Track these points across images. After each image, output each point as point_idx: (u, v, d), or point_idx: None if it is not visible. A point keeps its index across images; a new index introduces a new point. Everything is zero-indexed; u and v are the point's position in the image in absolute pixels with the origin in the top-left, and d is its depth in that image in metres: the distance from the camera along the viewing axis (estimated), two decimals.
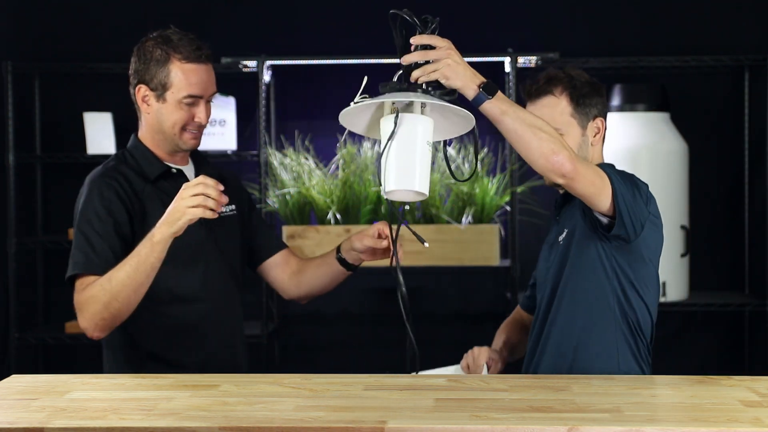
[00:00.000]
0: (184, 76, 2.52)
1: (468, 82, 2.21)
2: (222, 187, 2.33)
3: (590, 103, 2.55)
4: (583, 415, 1.92)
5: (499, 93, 2.23)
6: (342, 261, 2.67)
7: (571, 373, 2.44)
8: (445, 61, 2.19)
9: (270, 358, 4.49)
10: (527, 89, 2.59)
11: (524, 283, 4.39)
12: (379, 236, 2.57)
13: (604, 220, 2.39)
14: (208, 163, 2.72)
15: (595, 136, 2.57)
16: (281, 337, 4.60)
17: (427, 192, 2.20)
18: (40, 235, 4.60)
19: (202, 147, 4.30)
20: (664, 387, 2.14)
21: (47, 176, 4.64)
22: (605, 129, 2.59)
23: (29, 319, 4.57)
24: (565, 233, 2.53)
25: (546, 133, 2.25)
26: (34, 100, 4.58)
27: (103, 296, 2.37)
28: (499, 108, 2.24)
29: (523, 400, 2.02)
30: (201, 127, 2.58)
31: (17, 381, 2.25)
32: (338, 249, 2.68)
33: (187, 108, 2.53)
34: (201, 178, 2.33)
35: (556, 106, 2.54)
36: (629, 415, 1.91)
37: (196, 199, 2.30)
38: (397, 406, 1.98)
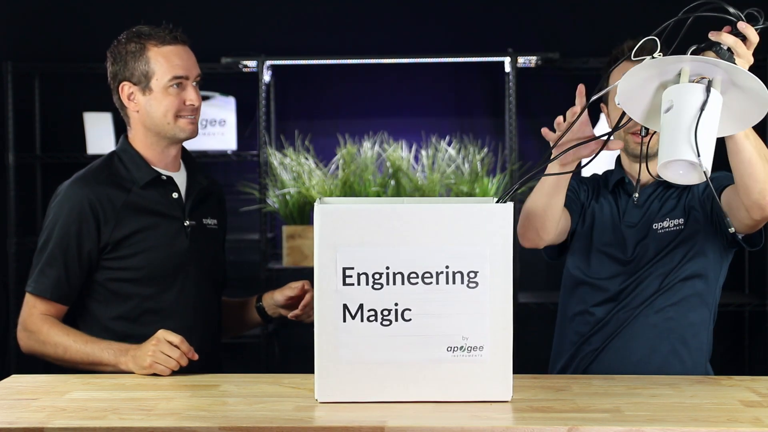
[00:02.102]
0: (164, 59, 2.46)
1: None
2: (195, 357, 2.29)
3: None
4: (583, 415, 1.92)
5: None
6: (260, 310, 2.64)
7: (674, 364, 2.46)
8: (747, 60, 2.04)
9: (270, 358, 4.49)
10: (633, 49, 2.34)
11: (525, 283, 4.40)
12: (304, 291, 2.53)
13: (740, 236, 2.38)
14: (200, 171, 2.63)
15: None
16: (281, 337, 4.60)
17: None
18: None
19: (203, 147, 4.37)
20: (664, 387, 2.14)
21: (47, 176, 4.64)
22: None
23: None
24: (669, 225, 2.47)
25: None
26: (34, 100, 4.59)
27: (53, 354, 2.40)
28: (744, 132, 2.14)
29: (523, 400, 2.02)
30: (195, 111, 2.50)
31: (17, 381, 2.25)
32: (259, 298, 2.65)
33: (175, 92, 2.46)
34: (180, 342, 2.27)
35: None
36: (629, 415, 1.91)
37: (169, 361, 2.26)
38: (397, 406, 1.98)
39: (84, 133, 4.45)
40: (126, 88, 2.49)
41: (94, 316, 2.48)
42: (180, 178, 2.57)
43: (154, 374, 2.27)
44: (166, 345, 2.26)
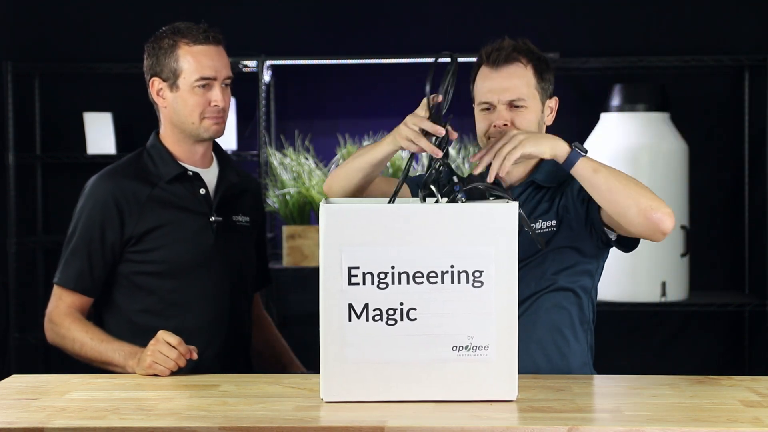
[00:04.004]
0: (193, 58, 2.47)
1: (557, 145, 2.16)
2: (195, 357, 2.29)
3: (549, 79, 2.45)
4: (583, 415, 1.92)
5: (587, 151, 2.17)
6: None
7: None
8: (517, 138, 2.14)
9: None
10: (490, 55, 2.42)
11: None
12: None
13: (613, 235, 2.34)
14: (232, 168, 2.63)
15: (548, 116, 2.47)
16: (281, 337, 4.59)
17: None
18: (40, 235, 4.60)
19: None
20: (664, 387, 2.14)
21: (47, 176, 4.64)
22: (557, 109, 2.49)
23: (29, 319, 4.57)
24: (541, 227, 2.40)
25: (641, 187, 2.15)
26: (34, 100, 4.58)
27: (70, 348, 2.45)
28: (591, 166, 2.16)
29: (523, 400, 2.02)
30: (221, 112, 2.49)
31: (17, 381, 2.25)
32: None
33: (201, 92, 2.47)
34: (178, 343, 2.27)
35: (523, 77, 2.40)
36: (629, 415, 1.91)
37: (167, 362, 2.26)
38: (397, 406, 1.98)
39: (84, 133, 4.45)
40: (155, 84, 2.51)
41: (119, 309, 2.52)
42: (209, 174, 2.58)
43: (155, 374, 2.28)
44: (164, 345, 2.26)
